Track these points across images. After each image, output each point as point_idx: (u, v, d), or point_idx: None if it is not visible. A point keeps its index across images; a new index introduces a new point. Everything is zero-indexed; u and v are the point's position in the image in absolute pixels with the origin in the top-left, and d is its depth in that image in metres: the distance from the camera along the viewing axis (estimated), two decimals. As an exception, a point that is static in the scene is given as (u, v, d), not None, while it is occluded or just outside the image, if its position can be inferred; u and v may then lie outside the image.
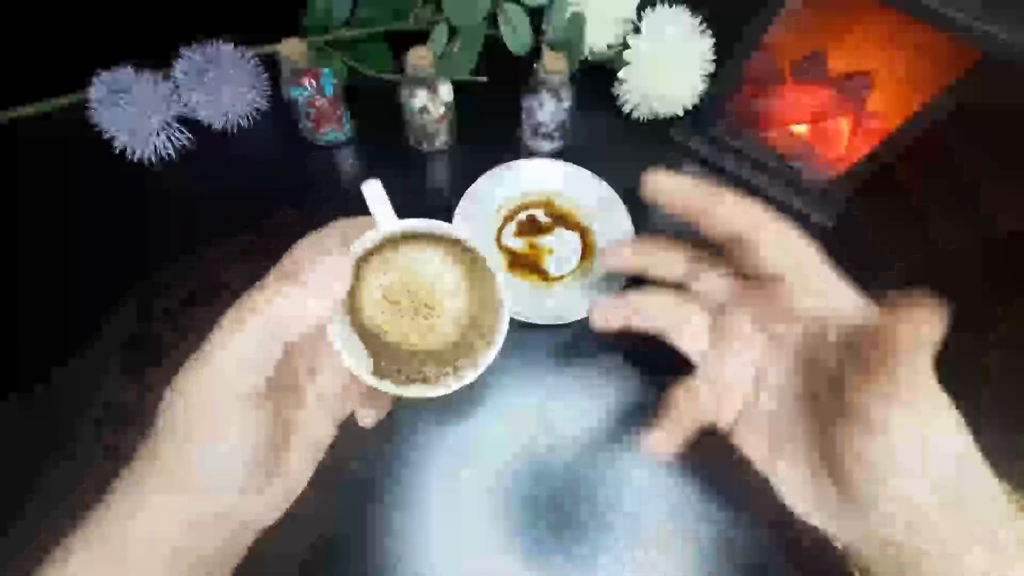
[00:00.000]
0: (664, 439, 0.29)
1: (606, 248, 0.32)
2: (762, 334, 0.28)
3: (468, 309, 0.27)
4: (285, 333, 0.20)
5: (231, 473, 0.21)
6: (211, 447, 0.20)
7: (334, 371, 0.25)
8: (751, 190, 0.51)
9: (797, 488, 0.26)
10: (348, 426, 0.27)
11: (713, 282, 0.30)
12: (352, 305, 0.25)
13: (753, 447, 0.28)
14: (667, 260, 0.31)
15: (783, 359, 0.28)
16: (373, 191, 0.25)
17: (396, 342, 0.26)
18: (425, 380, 0.25)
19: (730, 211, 0.26)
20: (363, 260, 0.24)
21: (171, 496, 0.20)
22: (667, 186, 0.28)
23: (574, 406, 0.40)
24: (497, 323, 0.25)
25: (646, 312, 0.31)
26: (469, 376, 0.25)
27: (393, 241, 0.25)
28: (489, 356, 0.25)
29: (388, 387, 0.24)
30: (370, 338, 0.26)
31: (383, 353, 0.25)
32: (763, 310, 0.28)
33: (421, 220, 0.24)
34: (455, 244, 0.26)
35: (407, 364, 0.26)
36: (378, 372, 0.24)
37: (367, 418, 0.27)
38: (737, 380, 0.29)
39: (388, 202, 0.25)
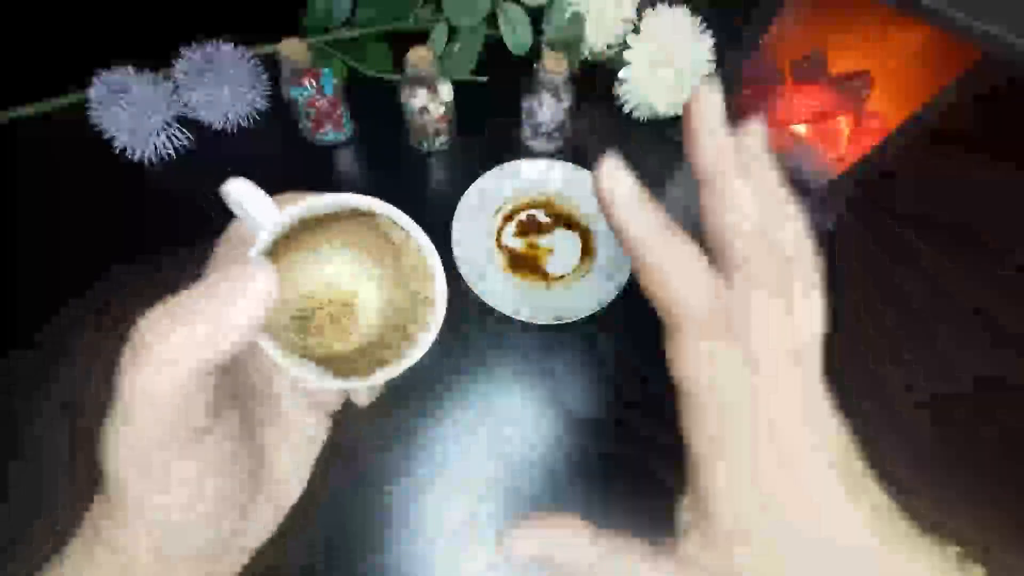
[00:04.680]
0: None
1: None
2: None
3: (392, 293, 0.24)
4: (196, 364, 0.16)
5: (199, 514, 0.19)
6: (166, 500, 0.18)
7: None
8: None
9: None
10: (339, 423, 0.27)
11: None
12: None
13: None
14: None
15: None
16: (239, 190, 0.20)
17: (321, 353, 0.24)
18: (365, 371, 0.23)
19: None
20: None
21: (142, 551, 0.19)
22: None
23: (573, 405, 0.40)
24: (432, 296, 0.23)
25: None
26: (412, 356, 0.23)
27: (282, 246, 0.21)
28: (430, 335, 0.23)
29: (353, 384, 0.22)
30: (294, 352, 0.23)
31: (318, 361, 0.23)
32: None
33: (315, 198, 0.20)
34: (358, 221, 0.22)
35: (343, 364, 0.23)
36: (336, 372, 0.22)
37: (361, 395, 0.26)
38: None
39: (264, 196, 0.20)
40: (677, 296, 0.18)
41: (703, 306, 0.18)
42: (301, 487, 0.24)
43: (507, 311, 0.42)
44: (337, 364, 0.23)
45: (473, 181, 0.47)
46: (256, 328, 0.17)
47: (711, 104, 0.19)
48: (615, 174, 0.19)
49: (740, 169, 0.20)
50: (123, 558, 0.19)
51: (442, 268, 0.23)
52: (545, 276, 0.45)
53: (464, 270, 0.43)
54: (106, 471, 0.18)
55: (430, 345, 0.23)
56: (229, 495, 0.19)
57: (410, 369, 0.36)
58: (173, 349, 0.16)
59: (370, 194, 0.24)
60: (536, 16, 0.50)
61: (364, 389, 0.25)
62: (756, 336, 0.17)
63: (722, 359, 0.17)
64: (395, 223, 0.22)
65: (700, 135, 0.20)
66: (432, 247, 0.22)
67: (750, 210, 0.19)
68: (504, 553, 0.20)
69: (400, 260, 0.24)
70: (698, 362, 0.18)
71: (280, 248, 0.21)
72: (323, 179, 0.48)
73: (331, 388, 0.22)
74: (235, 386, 0.21)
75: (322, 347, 0.24)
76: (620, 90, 0.51)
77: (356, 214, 0.22)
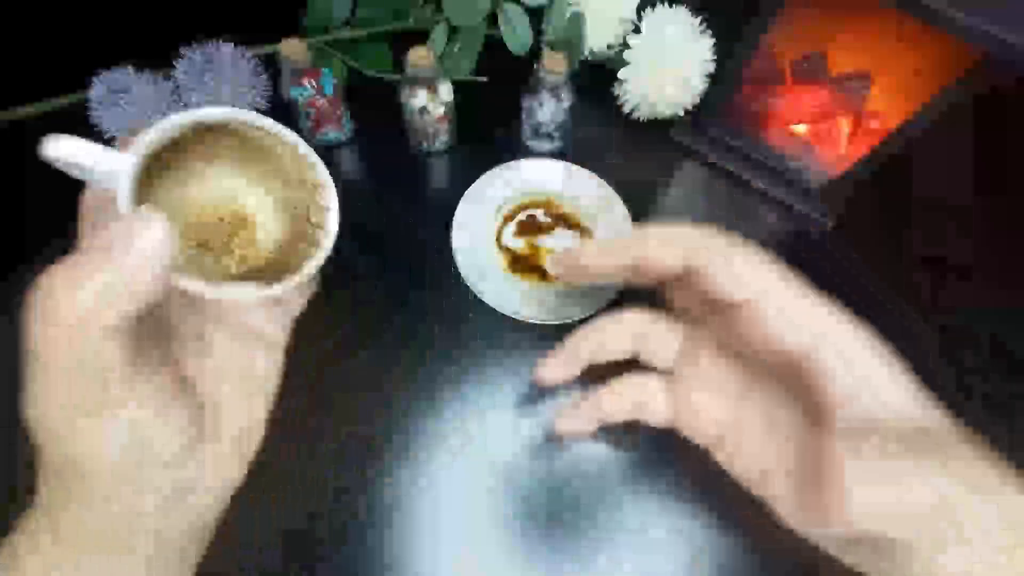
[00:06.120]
0: (570, 421, 0.33)
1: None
2: (734, 362, 0.28)
3: (281, 192, 0.24)
4: (103, 323, 0.16)
5: (139, 465, 0.18)
6: (101, 456, 0.18)
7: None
8: (751, 190, 0.51)
9: (787, 505, 0.26)
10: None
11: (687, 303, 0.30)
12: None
13: (740, 470, 0.28)
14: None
15: (759, 385, 0.27)
16: (65, 148, 0.18)
17: (242, 272, 0.23)
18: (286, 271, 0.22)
19: (662, 248, 0.26)
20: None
21: (94, 514, 0.19)
22: (589, 262, 0.28)
23: (574, 406, 0.40)
24: (319, 180, 0.23)
25: (604, 347, 0.33)
26: (327, 242, 0.23)
27: (145, 184, 0.19)
28: (332, 214, 0.23)
29: (282, 288, 0.21)
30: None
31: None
32: (731, 338, 0.27)
33: (155, 127, 0.18)
34: (217, 134, 0.21)
35: (271, 272, 0.23)
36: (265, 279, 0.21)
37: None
38: (709, 407, 0.29)
39: (94, 145, 0.19)
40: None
41: None
42: (259, 425, 0.23)
43: (507, 311, 0.42)
44: (266, 274, 0.22)
45: (473, 181, 0.47)
46: (162, 277, 0.17)
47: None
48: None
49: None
50: (75, 526, 0.19)
51: (314, 152, 0.23)
52: (545, 276, 0.45)
53: (464, 270, 0.43)
54: (36, 441, 0.18)
55: (337, 226, 0.23)
56: (166, 443, 0.19)
57: (410, 369, 0.36)
58: (79, 311, 0.15)
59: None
60: (536, 16, 0.50)
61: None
62: None
63: None
64: (252, 125, 0.21)
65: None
66: (296, 136, 0.22)
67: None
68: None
69: (274, 159, 0.23)
70: None
71: (144, 185, 0.19)
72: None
73: (266, 296, 0.21)
74: (155, 333, 0.20)
75: (241, 263, 0.23)
76: (620, 90, 0.51)
77: (213, 129, 0.21)
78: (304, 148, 0.22)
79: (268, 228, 0.24)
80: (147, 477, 0.19)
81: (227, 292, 0.20)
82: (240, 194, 0.24)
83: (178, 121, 0.19)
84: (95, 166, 0.18)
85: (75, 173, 0.19)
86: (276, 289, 0.21)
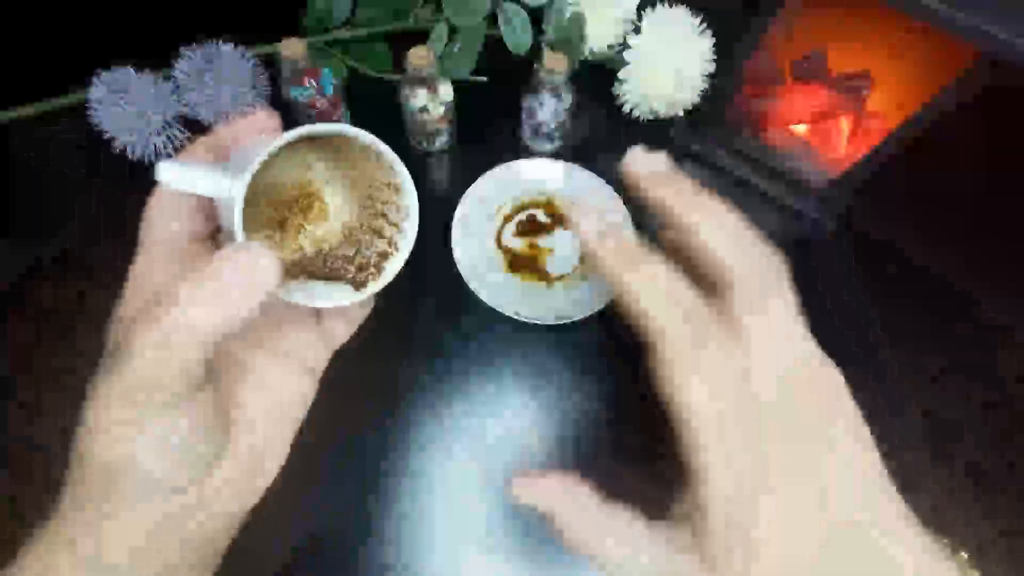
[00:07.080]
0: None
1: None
2: None
3: (349, 174, 0.25)
4: (208, 334, 0.17)
5: (165, 466, 0.19)
6: (139, 447, 0.18)
7: (278, 321, 0.23)
8: (751, 190, 0.51)
9: None
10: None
11: None
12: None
13: None
14: None
15: None
16: (179, 177, 0.20)
17: (313, 251, 0.25)
18: (377, 265, 0.24)
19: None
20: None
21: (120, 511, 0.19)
22: (645, 172, 0.21)
23: (574, 405, 0.40)
24: (398, 182, 0.24)
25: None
26: (408, 235, 0.23)
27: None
28: (411, 221, 0.23)
29: (372, 289, 0.23)
30: (295, 265, 0.23)
31: (319, 268, 0.24)
32: None
33: (253, 165, 0.19)
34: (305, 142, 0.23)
35: (343, 264, 0.24)
36: (355, 285, 0.23)
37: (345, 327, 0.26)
38: None
39: (209, 171, 0.20)
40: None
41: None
42: (284, 449, 0.23)
43: (507, 311, 0.42)
44: (339, 267, 0.24)
45: (473, 181, 0.47)
46: (260, 302, 0.18)
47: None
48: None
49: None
50: (94, 534, 0.19)
51: (392, 152, 0.23)
52: (545, 276, 0.45)
53: (464, 270, 0.43)
54: (79, 445, 0.18)
55: (416, 229, 0.23)
56: (195, 457, 0.20)
57: (410, 370, 0.36)
58: (185, 320, 0.17)
59: None
60: (536, 16, 0.50)
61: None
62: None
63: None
64: (325, 133, 0.22)
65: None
66: (375, 139, 0.23)
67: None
68: (511, 500, 0.22)
69: (344, 153, 0.24)
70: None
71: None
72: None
73: (355, 300, 0.23)
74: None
75: (310, 240, 0.25)
76: (620, 90, 0.51)
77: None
78: (382, 148, 0.23)
79: (336, 211, 0.25)
80: (172, 489, 0.19)
81: (326, 301, 0.22)
82: (310, 175, 0.25)
83: (287, 137, 0.20)
84: (208, 192, 0.20)
85: (192, 191, 0.20)
86: (365, 292, 0.23)
